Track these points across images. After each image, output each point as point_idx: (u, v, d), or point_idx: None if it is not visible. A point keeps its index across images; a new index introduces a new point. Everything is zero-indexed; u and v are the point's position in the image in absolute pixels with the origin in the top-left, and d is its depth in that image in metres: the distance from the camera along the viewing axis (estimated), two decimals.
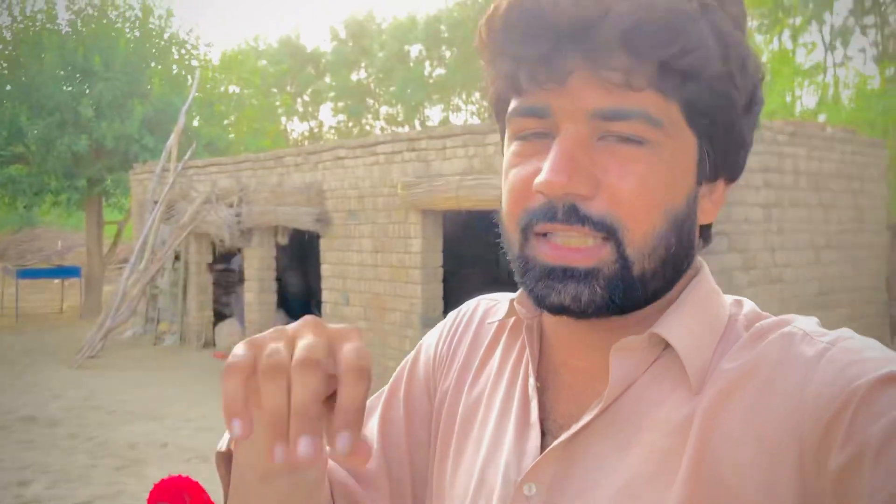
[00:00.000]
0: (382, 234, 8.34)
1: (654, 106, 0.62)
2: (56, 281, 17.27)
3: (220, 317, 11.81)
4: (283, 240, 10.27)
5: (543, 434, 0.71)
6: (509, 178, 0.67)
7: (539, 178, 0.62)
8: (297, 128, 38.08)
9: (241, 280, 11.36)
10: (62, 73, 13.79)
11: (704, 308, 0.69)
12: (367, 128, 38.76)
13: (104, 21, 14.73)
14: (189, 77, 15.42)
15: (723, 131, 0.66)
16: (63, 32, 14.69)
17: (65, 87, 13.95)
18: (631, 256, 0.64)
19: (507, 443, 0.73)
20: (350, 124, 40.11)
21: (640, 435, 0.65)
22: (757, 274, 7.57)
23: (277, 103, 31.34)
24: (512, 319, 0.80)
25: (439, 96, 35.30)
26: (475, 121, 34.02)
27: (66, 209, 16.07)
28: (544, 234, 0.65)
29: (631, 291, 0.65)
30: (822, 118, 15.63)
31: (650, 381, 0.67)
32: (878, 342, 0.62)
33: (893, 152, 10.63)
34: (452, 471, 0.79)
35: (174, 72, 15.45)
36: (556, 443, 0.68)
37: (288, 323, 0.57)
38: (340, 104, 37.88)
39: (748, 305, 0.71)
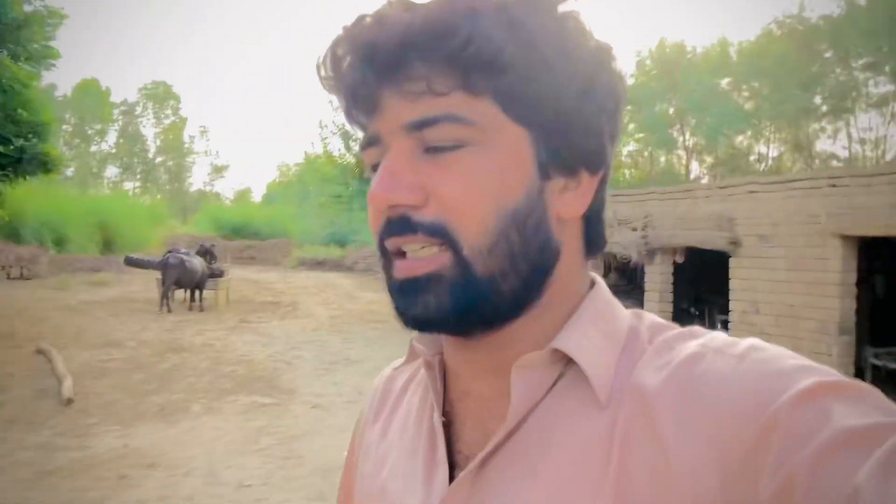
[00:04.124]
0: (798, 256, 10.08)
1: (463, 105, 0.62)
2: None
3: None
4: (680, 258, 12.33)
5: (454, 469, 0.68)
6: (368, 208, 0.68)
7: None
8: None
9: (617, 293, 13.71)
10: None
11: (604, 319, 0.67)
12: (672, 158, 39.99)
13: None
14: None
15: (553, 118, 0.64)
16: None
17: None
18: (469, 257, 0.63)
19: (417, 483, 0.70)
20: (646, 154, 41.71)
21: (549, 455, 0.63)
22: None
23: None
24: (421, 369, 0.78)
25: (746, 126, 35.85)
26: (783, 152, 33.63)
27: None
28: (403, 254, 0.65)
29: (482, 293, 0.63)
30: None
31: (555, 400, 0.65)
32: (787, 350, 0.59)
33: None
34: None
35: None
36: (461, 475, 0.65)
37: None
38: (639, 136, 39.66)
39: (648, 316, 0.69)
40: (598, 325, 0.67)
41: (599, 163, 0.67)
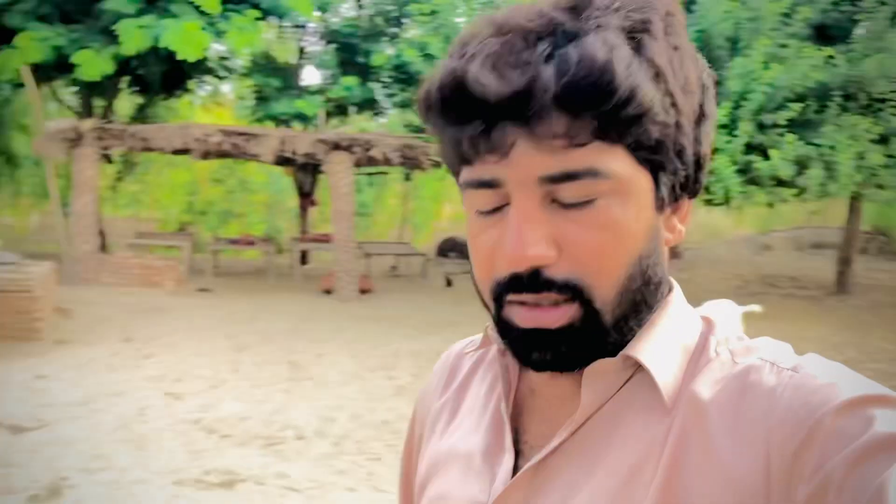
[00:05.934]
0: None
1: (601, 157, 0.59)
2: None
3: None
4: None
5: (518, 458, 0.71)
6: (474, 248, 0.67)
7: (502, 255, 0.63)
8: None
9: None
10: None
11: (676, 327, 0.68)
12: None
13: None
14: None
15: (674, 158, 0.63)
16: None
17: None
18: (601, 309, 0.63)
19: (479, 467, 0.73)
20: None
21: (609, 453, 0.65)
22: None
23: None
24: (491, 352, 0.80)
25: None
26: None
27: None
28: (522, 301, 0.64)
29: (608, 338, 0.65)
30: None
31: (621, 402, 0.66)
32: (844, 366, 0.60)
33: None
34: (424, 500, 0.78)
35: None
36: (526, 466, 0.68)
37: None
38: None
39: (719, 326, 0.70)
40: (671, 333, 0.67)
41: (700, 187, 0.68)
